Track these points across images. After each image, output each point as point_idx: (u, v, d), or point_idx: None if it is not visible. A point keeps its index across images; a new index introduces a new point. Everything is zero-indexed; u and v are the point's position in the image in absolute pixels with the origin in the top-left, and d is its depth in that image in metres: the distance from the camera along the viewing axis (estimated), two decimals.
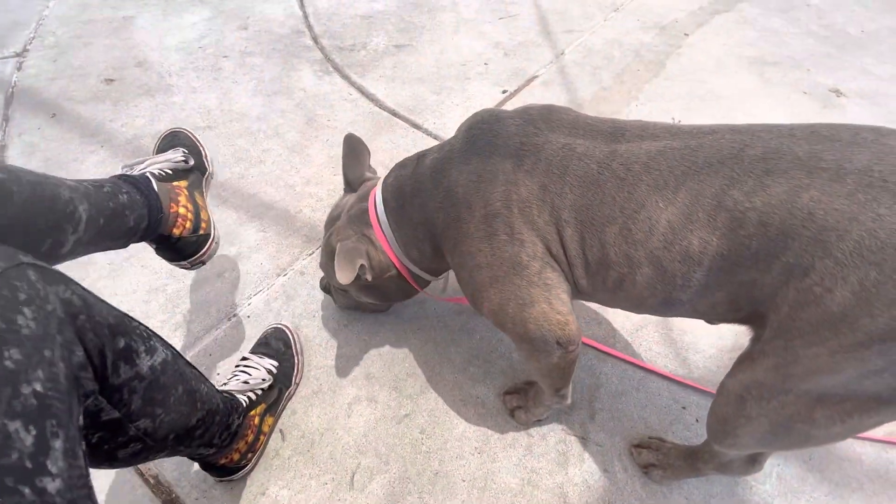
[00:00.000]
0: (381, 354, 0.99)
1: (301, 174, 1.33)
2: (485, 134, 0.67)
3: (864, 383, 0.47)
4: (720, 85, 1.61)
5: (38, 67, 1.66)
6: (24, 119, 1.48)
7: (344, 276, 0.69)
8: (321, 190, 1.29)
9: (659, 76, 1.65)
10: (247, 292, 1.08)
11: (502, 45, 1.79)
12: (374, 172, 0.94)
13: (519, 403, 0.87)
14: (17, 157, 1.37)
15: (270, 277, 1.11)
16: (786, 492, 0.83)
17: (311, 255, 1.15)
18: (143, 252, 1.08)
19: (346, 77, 1.65)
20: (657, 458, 0.81)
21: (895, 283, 0.42)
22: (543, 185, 0.62)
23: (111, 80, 1.62)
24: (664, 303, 0.61)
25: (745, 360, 0.58)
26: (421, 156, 0.77)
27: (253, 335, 0.99)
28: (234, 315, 1.05)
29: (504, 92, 1.58)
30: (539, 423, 0.89)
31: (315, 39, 1.81)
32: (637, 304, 0.65)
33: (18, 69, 1.65)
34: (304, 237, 1.18)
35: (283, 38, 1.81)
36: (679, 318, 0.82)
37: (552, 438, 0.89)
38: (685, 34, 1.83)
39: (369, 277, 0.76)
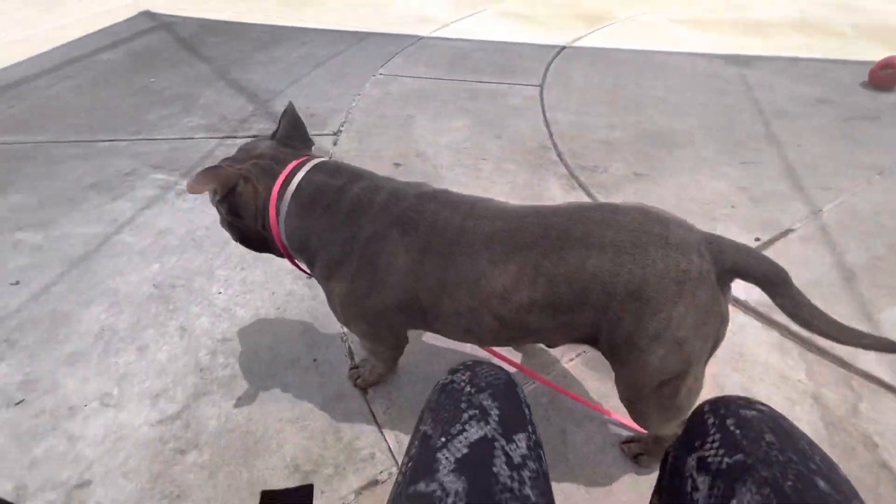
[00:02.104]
0: None
1: None
2: (390, 201, 0.82)
3: (664, 361, 0.71)
4: None
5: (348, 145, 2.16)
6: None
7: (190, 185, 0.77)
8: None
9: None
10: None
11: (748, 190, 1.82)
12: (308, 145, 0.97)
13: (640, 450, 1.02)
14: None
15: (537, 372, 1.21)
16: None
17: (571, 360, 1.23)
18: None
19: (590, 196, 1.82)
20: (641, 448, 1.01)
21: (650, 307, 0.68)
22: (421, 251, 0.78)
23: (398, 165, 2.03)
24: (509, 340, 0.84)
25: (616, 380, 0.82)
26: (353, 178, 0.85)
27: None
28: None
29: (757, 240, 1.58)
30: None
31: (560, 156, 2.06)
32: (487, 342, 0.86)
33: (334, 144, 2.18)
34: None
35: (532, 151, 2.10)
36: None
37: None
38: None
39: (216, 199, 0.87)
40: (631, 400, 0.83)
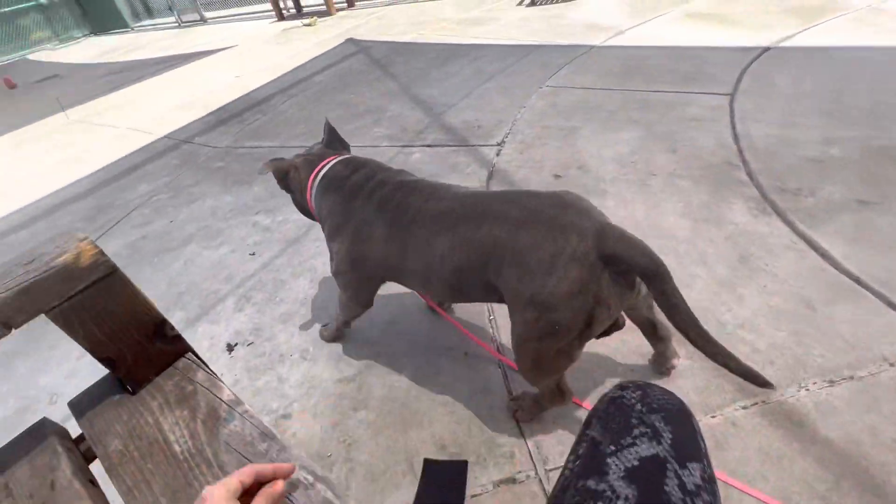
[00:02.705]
0: None
1: (733, 313, 1.30)
2: (376, 188, 1.09)
3: (538, 322, 0.85)
4: None
5: (510, 156, 2.26)
6: None
7: (259, 168, 1.22)
8: (758, 340, 1.22)
9: None
10: None
11: None
12: (346, 148, 1.36)
13: (517, 407, 1.16)
14: None
15: (697, 413, 1.09)
16: None
17: (745, 408, 1.08)
18: None
19: (788, 223, 1.55)
20: (519, 405, 1.14)
21: (528, 272, 0.83)
22: (390, 225, 1.03)
23: (559, 176, 2.03)
24: (454, 294, 1.03)
25: (512, 331, 0.94)
26: (357, 168, 1.16)
27: None
28: None
29: None
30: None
31: (750, 175, 1.80)
32: (441, 296, 1.08)
33: (497, 155, 2.29)
34: (736, 385, 1.13)
35: (712, 167, 1.88)
36: None
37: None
38: None
39: (275, 177, 1.29)
40: (515, 349, 0.96)
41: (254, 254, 1.98)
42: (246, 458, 0.61)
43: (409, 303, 1.56)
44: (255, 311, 1.68)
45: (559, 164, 2.11)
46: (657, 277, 0.76)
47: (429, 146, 2.50)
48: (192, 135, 3.48)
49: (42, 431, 0.71)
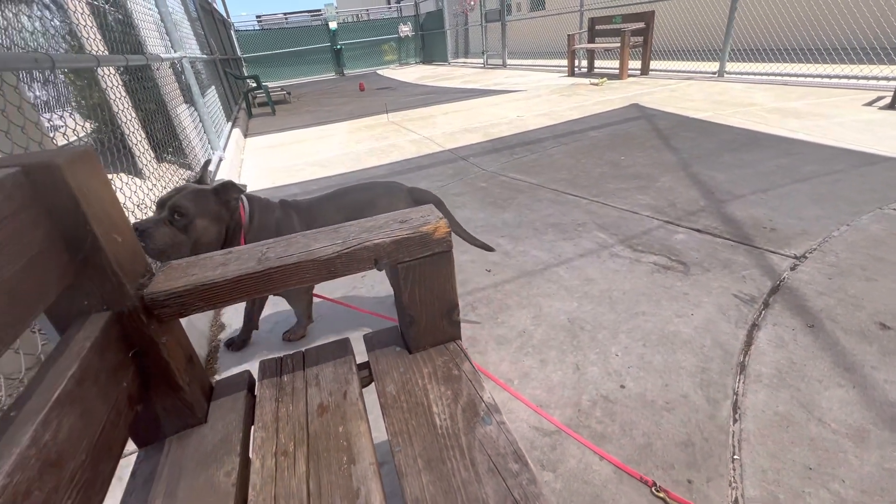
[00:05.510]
0: None
1: None
2: (288, 202, 1.63)
3: None
4: None
5: (810, 276, 1.81)
6: (782, 313, 1.64)
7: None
8: None
9: None
10: None
11: None
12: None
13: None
14: (764, 342, 1.51)
15: None
16: None
17: None
18: None
19: None
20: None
21: (380, 210, 1.55)
22: (299, 214, 1.58)
23: (886, 327, 1.51)
24: None
25: None
26: (269, 198, 1.59)
27: None
28: None
29: None
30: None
31: None
32: None
33: (791, 269, 1.87)
34: None
35: None
36: None
37: None
38: None
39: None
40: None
41: (489, 271, 2.13)
42: (496, 467, 0.61)
43: (632, 388, 1.39)
44: (474, 324, 1.78)
45: (891, 311, 1.57)
46: (440, 205, 1.61)
47: (698, 231, 2.23)
48: (469, 154, 4.04)
49: (344, 347, 0.88)
